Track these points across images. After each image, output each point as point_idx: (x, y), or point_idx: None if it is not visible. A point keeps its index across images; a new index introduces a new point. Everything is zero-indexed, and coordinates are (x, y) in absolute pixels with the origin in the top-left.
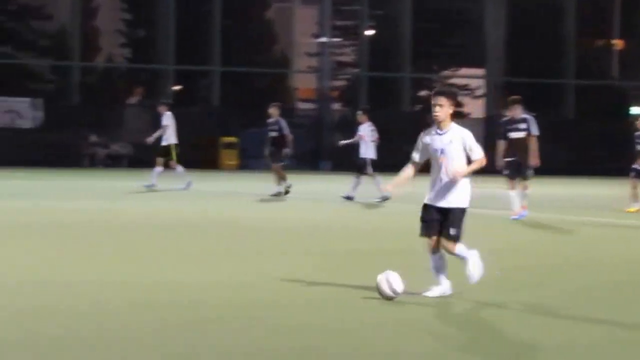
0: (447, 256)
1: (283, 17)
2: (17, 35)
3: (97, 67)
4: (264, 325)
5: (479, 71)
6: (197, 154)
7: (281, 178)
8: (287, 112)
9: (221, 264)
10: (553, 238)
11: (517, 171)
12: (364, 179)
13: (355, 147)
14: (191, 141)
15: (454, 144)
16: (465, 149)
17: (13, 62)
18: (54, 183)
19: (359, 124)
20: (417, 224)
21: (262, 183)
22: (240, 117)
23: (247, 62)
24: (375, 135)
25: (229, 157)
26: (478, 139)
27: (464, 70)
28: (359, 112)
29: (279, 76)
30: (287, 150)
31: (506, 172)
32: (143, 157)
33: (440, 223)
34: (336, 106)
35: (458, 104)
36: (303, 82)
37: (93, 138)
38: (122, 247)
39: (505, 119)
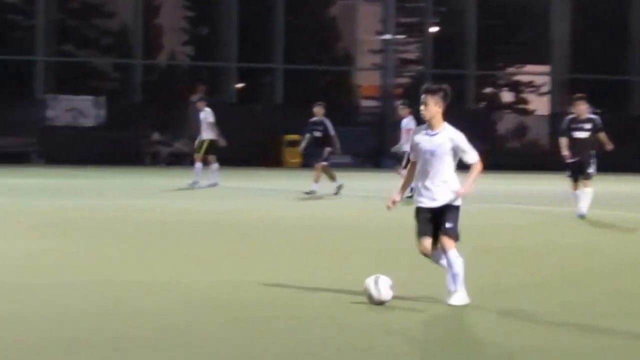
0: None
1: (346, 14)
2: (79, 33)
3: (159, 65)
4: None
5: (544, 68)
6: (261, 152)
7: (331, 178)
8: (350, 110)
9: (279, 263)
10: (614, 237)
11: (579, 172)
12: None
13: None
14: (254, 139)
15: (445, 145)
16: (457, 152)
17: (75, 61)
18: (118, 181)
19: (402, 118)
20: (482, 222)
21: (324, 182)
22: (303, 115)
23: (310, 60)
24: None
25: (292, 155)
26: (543, 137)
27: (529, 67)
28: (401, 106)
29: (342, 74)
30: (329, 149)
31: (568, 173)
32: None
33: (435, 224)
34: (399, 104)
35: (448, 102)
36: (366, 80)
37: (155, 136)
38: (183, 247)
39: (570, 116)
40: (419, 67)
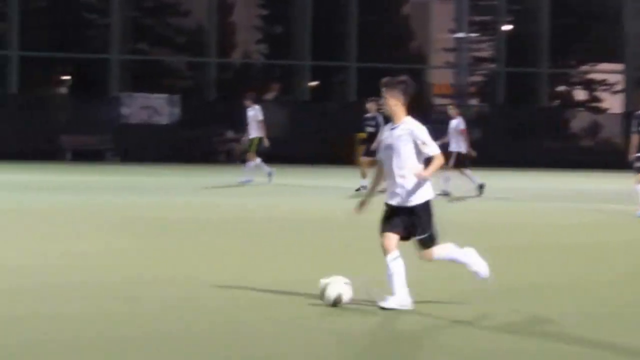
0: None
1: (420, 13)
2: (154, 32)
3: (233, 64)
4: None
5: (618, 66)
6: (334, 150)
7: (363, 174)
8: (423, 108)
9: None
10: None
11: None
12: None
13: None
14: (328, 137)
15: (403, 138)
16: (417, 144)
17: (150, 59)
18: (191, 179)
19: (450, 118)
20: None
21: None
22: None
23: (383, 58)
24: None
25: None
26: (616, 135)
27: (602, 65)
28: (450, 107)
29: (415, 72)
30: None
31: (637, 164)
32: (279, 152)
33: (405, 226)
34: (473, 102)
35: (410, 95)
36: (439, 78)
37: (229, 134)
38: (254, 244)
39: (639, 112)
40: (492, 65)
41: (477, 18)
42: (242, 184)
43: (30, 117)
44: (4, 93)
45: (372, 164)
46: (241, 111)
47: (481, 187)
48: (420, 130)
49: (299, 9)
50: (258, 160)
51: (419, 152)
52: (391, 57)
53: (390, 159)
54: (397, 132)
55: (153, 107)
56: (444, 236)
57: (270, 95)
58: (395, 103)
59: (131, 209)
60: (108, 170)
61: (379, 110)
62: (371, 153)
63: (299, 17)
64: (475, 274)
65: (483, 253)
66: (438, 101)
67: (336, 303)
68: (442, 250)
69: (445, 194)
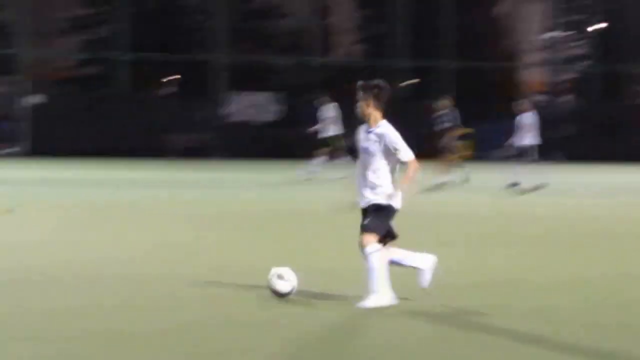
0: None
1: (514, 12)
2: (257, 33)
3: (334, 63)
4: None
5: None
6: (434, 146)
7: (441, 170)
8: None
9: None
10: None
11: None
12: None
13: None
14: (427, 134)
15: (376, 142)
16: (390, 151)
17: (254, 60)
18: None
19: (520, 112)
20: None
21: (496, 174)
22: (473, 109)
23: (479, 57)
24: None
25: (464, 148)
26: None
27: None
28: (522, 102)
29: (509, 69)
30: (455, 142)
31: None
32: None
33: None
34: (566, 99)
35: (384, 98)
36: (533, 76)
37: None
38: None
39: None
40: (585, 63)
41: (570, 17)
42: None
43: (140, 116)
44: (115, 93)
45: (456, 159)
46: (343, 108)
47: (515, 184)
48: (393, 136)
49: (398, 10)
50: (324, 157)
51: (391, 156)
52: (486, 55)
53: (363, 161)
54: (371, 135)
55: (258, 106)
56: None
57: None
58: (368, 105)
59: (233, 203)
60: (213, 167)
61: (452, 107)
62: (453, 148)
63: (398, 18)
64: (420, 279)
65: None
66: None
67: (283, 295)
68: (373, 246)
69: (515, 184)
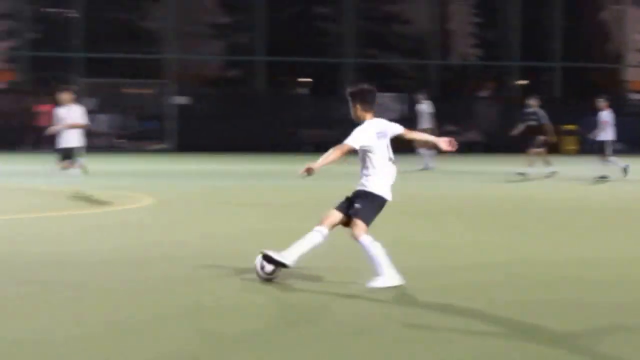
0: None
1: (617, 17)
2: (383, 38)
3: (452, 65)
4: None
5: None
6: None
7: (530, 164)
8: (618, 102)
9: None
10: None
11: None
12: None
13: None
14: (535, 129)
15: None
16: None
17: (379, 62)
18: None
19: (599, 110)
20: None
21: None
22: (578, 107)
23: (584, 58)
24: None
25: (569, 143)
26: None
27: None
28: (601, 100)
29: (612, 70)
30: (543, 138)
31: None
32: (494, 144)
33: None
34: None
35: (369, 101)
36: (634, 76)
37: (449, 127)
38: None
39: None
40: None
41: None
42: (423, 170)
43: (276, 114)
44: (253, 93)
45: (539, 154)
46: (459, 106)
47: (625, 169)
48: (357, 129)
49: (509, 16)
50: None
51: (376, 151)
52: (591, 57)
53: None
54: None
55: (383, 105)
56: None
57: (484, 93)
58: (358, 110)
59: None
60: (342, 160)
61: (540, 106)
62: (537, 145)
63: (509, 23)
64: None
65: None
66: (633, 96)
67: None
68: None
69: (604, 177)
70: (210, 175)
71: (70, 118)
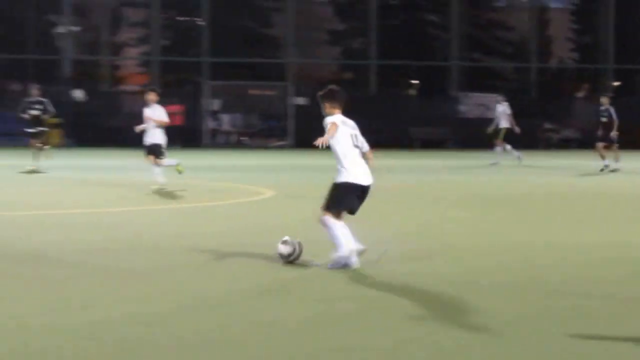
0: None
1: None
2: (485, 43)
3: (550, 68)
4: None
5: None
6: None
7: (601, 157)
8: None
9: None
10: None
11: None
12: None
13: None
14: (628, 127)
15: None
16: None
17: (482, 65)
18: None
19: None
20: None
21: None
22: None
23: None
24: None
25: None
26: None
27: None
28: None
29: None
30: (613, 134)
31: None
32: (589, 140)
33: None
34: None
35: (338, 99)
36: None
37: (547, 125)
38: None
39: None
40: None
41: None
42: (492, 165)
43: (386, 113)
44: (365, 94)
45: (607, 148)
46: (557, 106)
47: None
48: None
49: (604, 21)
50: (508, 146)
51: (343, 144)
52: None
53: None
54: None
55: (485, 105)
56: None
57: (580, 94)
58: (327, 108)
59: (461, 186)
60: (449, 156)
61: (609, 103)
62: (609, 140)
63: (604, 28)
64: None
65: None
66: None
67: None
68: (330, 221)
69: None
70: (325, 169)
71: (155, 117)
